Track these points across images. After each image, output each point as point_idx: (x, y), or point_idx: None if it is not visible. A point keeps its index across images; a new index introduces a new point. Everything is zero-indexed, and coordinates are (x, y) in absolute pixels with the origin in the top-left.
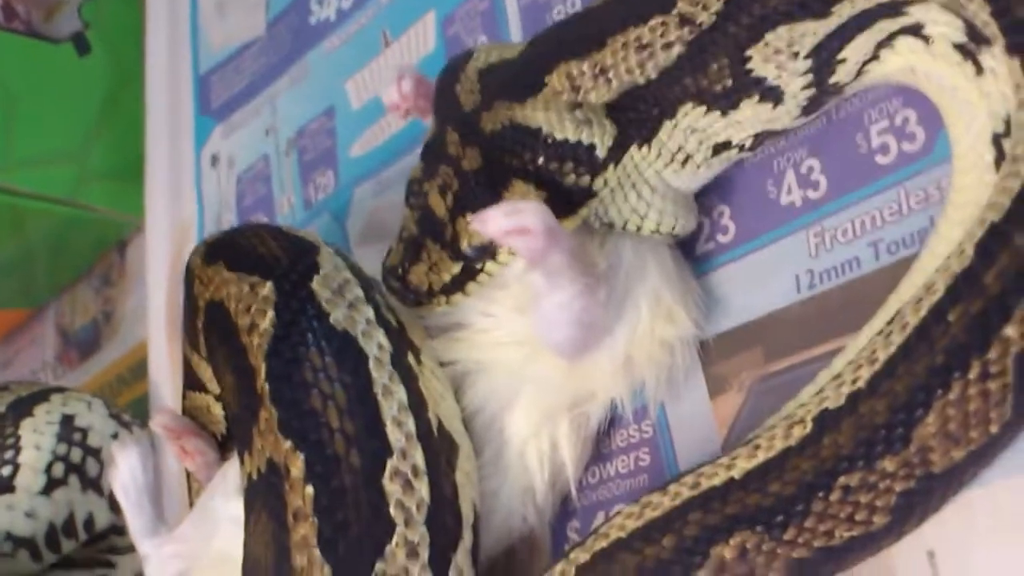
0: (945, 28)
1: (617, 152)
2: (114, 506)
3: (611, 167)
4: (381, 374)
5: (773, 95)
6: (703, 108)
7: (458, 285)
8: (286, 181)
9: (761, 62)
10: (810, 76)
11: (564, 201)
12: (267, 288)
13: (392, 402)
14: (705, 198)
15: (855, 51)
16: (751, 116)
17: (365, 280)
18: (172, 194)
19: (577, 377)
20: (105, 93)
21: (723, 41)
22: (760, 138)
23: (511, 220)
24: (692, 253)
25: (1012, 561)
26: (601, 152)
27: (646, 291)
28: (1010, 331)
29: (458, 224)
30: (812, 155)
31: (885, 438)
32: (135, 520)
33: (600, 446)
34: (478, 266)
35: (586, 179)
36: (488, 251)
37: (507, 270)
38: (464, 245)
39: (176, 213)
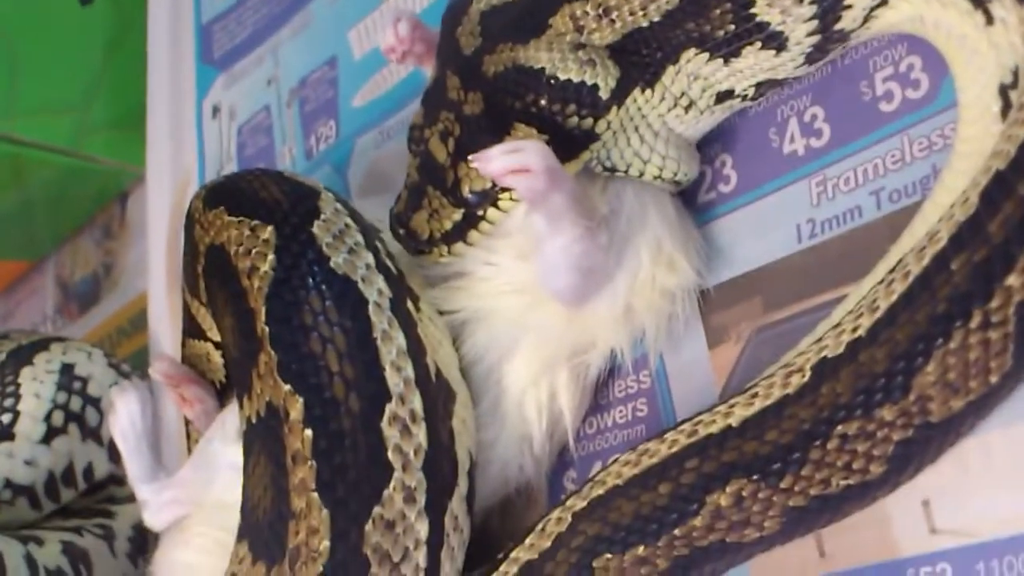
0: None
1: (620, 94)
2: (114, 456)
3: (614, 109)
4: (380, 319)
5: (776, 41)
6: (705, 55)
7: (459, 233)
8: (287, 132)
9: (765, 6)
10: (815, 22)
11: (566, 144)
12: (268, 231)
13: (391, 347)
14: (707, 147)
15: None
16: (753, 64)
17: (365, 226)
18: (173, 145)
19: (578, 326)
20: (107, 43)
21: None
22: (763, 87)
23: (512, 158)
24: (693, 202)
25: (1006, 509)
26: (604, 93)
27: (647, 238)
28: (1013, 280)
29: (459, 170)
30: (816, 103)
31: (884, 387)
32: (133, 465)
33: (598, 396)
34: (479, 213)
35: (588, 121)
36: (489, 197)
37: (508, 218)
38: (465, 191)
39: (177, 164)
